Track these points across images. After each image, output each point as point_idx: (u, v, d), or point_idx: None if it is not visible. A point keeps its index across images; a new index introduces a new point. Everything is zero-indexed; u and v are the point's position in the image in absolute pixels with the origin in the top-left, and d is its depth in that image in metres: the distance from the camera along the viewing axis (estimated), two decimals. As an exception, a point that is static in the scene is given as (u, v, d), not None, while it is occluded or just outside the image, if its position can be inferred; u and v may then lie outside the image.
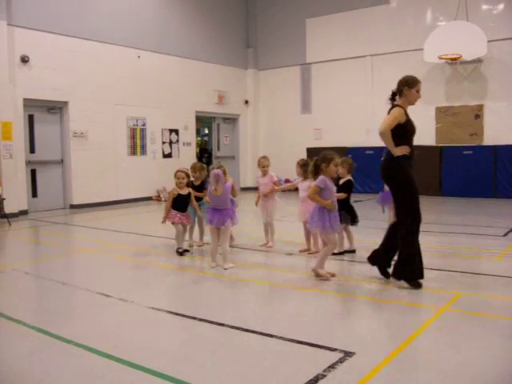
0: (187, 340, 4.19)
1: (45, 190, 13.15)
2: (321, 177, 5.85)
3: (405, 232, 5.39)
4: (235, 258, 6.91)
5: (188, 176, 7.27)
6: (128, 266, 7.05)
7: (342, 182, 7.03)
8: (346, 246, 7.25)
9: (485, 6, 14.75)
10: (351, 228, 7.18)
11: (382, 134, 5.29)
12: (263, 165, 7.84)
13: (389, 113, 5.47)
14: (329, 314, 4.81)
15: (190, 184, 7.43)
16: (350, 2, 16.89)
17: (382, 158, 5.57)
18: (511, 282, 5.70)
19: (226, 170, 6.76)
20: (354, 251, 7.20)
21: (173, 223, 7.27)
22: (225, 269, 6.35)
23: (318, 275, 5.87)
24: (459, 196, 14.54)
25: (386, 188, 6.11)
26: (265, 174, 7.82)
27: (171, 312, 4.79)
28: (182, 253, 7.22)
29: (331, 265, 6.28)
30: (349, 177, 7.03)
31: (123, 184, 14.73)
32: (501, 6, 14.59)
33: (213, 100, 17.77)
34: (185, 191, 7.20)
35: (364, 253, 6.44)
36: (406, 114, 5.46)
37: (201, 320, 4.50)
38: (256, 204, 7.90)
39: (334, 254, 7.02)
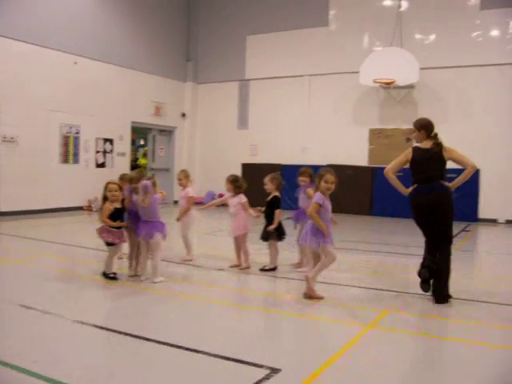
0: (112, 355, 4.06)
1: (-31, 195, 12.58)
2: (317, 193, 5.82)
3: (448, 254, 5.82)
4: (164, 272, 6.78)
5: (121, 188, 6.47)
6: (54, 277, 6.77)
7: (269, 198, 7.07)
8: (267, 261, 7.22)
9: (418, 36, 15.37)
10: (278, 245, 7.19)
11: None
12: (178, 178, 7.80)
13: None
14: (256, 330, 4.78)
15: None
16: (291, 22, 17.16)
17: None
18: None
19: (156, 181, 6.53)
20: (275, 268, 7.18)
21: (111, 244, 6.27)
22: (154, 282, 6.22)
23: (310, 296, 5.60)
24: (389, 216, 14.92)
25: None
26: (182, 187, 7.78)
27: (96, 326, 4.63)
28: (113, 277, 6.37)
29: (260, 281, 6.27)
30: (276, 193, 7.05)
31: (54, 192, 14.24)
32: (433, 37, 15.25)
33: (149, 111, 17.56)
34: (118, 205, 6.33)
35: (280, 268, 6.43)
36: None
37: (126, 334, 4.36)
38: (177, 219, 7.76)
39: (265, 270, 7.04)
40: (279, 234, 7.01)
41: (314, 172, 6.32)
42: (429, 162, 6.00)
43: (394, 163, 6.07)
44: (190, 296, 5.83)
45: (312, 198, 6.07)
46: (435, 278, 5.70)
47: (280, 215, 6.92)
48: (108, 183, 6.34)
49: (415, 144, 6.21)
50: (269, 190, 7.03)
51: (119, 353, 4.07)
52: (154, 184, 6.36)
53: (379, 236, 11.73)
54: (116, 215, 6.24)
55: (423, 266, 5.77)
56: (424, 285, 5.74)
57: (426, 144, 6.07)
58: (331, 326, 4.91)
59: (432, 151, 6.00)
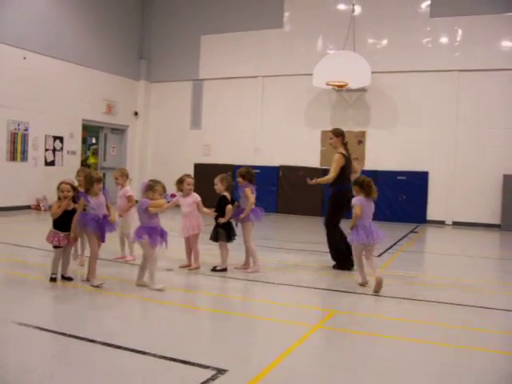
0: (55, 357, 3.95)
1: None
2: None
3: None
4: (108, 273, 6.66)
5: (74, 189, 6.13)
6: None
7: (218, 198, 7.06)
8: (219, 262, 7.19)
9: (370, 40, 15.64)
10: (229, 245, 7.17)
11: None
12: (115, 176, 7.65)
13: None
14: (202, 330, 4.74)
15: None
16: (246, 23, 17.18)
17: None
18: (386, 301, 5.94)
19: (152, 185, 6.07)
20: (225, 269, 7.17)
21: (55, 246, 6.07)
22: (154, 290, 5.86)
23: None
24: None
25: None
26: (120, 186, 7.63)
27: (40, 328, 4.49)
28: (52, 279, 6.14)
29: (210, 281, 6.23)
30: (225, 193, 7.03)
31: (0, 191, 13.80)
32: (384, 42, 15.56)
33: (101, 109, 17.26)
34: (70, 206, 6.04)
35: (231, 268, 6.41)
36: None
37: (70, 336, 4.26)
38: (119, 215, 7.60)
39: (216, 270, 6.99)
40: (229, 234, 6.98)
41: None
42: (349, 165, 7.62)
43: (340, 166, 7.43)
44: (135, 296, 5.73)
45: (248, 197, 6.98)
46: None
47: (231, 211, 6.91)
48: (61, 183, 6.10)
49: (340, 151, 7.53)
50: (218, 191, 7.01)
51: (62, 354, 3.96)
52: (148, 187, 6.02)
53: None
54: (64, 217, 6.00)
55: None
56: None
57: (342, 150, 7.53)
58: (278, 326, 4.91)
59: (349, 157, 7.63)
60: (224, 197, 7.00)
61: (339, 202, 7.50)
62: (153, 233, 5.92)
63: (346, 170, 7.46)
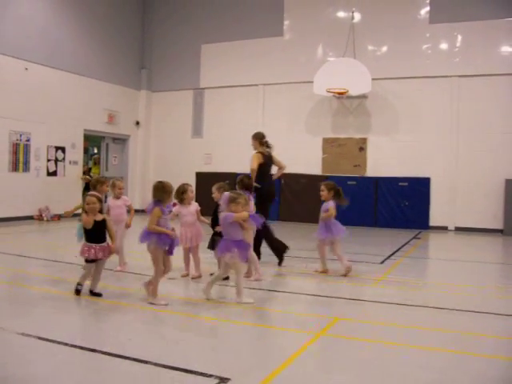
0: (58, 366, 3.94)
1: None
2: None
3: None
4: (116, 282, 6.66)
5: (100, 201, 5.99)
6: (2, 290, 6.56)
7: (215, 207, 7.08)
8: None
9: (370, 47, 15.68)
10: None
11: None
12: (119, 186, 7.61)
13: None
14: (204, 339, 4.73)
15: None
16: (246, 32, 17.24)
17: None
18: (387, 307, 5.94)
19: (235, 197, 5.96)
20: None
21: (87, 260, 5.93)
22: (241, 303, 5.81)
23: None
24: (342, 225, 15.01)
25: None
26: (118, 196, 7.62)
27: (41, 338, 4.50)
28: (76, 291, 6.00)
29: (211, 289, 6.23)
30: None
31: (2, 201, 13.76)
32: (384, 48, 15.59)
33: (103, 119, 17.31)
34: (99, 217, 5.91)
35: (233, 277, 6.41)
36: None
37: (73, 346, 4.26)
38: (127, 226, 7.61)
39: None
40: None
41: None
42: (270, 162, 8.46)
43: (258, 163, 8.20)
44: (138, 306, 5.71)
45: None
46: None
47: None
48: (86, 195, 6.01)
49: (259, 150, 8.41)
50: (216, 199, 7.02)
51: (64, 364, 3.96)
52: (230, 199, 5.92)
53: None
54: (95, 229, 5.85)
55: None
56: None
57: (264, 150, 8.37)
58: (281, 334, 4.91)
59: (270, 155, 8.43)
60: (219, 206, 7.00)
61: (263, 199, 7.99)
62: (240, 246, 5.84)
63: (265, 167, 8.29)
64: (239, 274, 5.87)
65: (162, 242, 5.71)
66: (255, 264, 7.12)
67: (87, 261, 5.92)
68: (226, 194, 6.12)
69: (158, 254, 5.76)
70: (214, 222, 6.95)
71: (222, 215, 6.00)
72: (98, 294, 5.98)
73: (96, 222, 5.85)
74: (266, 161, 8.37)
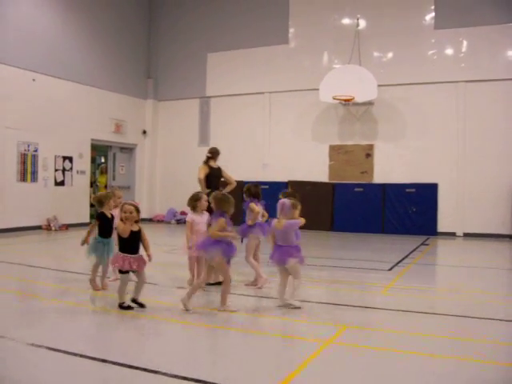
0: (68, 377, 3.95)
1: None
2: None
3: None
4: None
5: (138, 211, 5.84)
6: (13, 300, 6.56)
7: None
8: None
9: (376, 53, 15.71)
10: None
11: None
12: (119, 196, 7.65)
13: None
14: (212, 348, 4.73)
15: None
16: (251, 40, 17.31)
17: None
18: (395, 315, 5.91)
19: (295, 203, 6.03)
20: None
21: (121, 272, 5.82)
22: (291, 305, 5.93)
23: None
24: (350, 231, 15.08)
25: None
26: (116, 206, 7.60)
27: (51, 348, 4.50)
28: (128, 307, 5.82)
29: (215, 297, 6.22)
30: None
31: (11, 211, 13.85)
32: (390, 55, 15.61)
33: (110, 129, 17.40)
34: (135, 227, 5.80)
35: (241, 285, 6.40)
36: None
37: (82, 356, 4.27)
38: None
39: (210, 284, 6.93)
40: None
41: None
42: (219, 175, 8.83)
43: (204, 173, 8.60)
44: (147, 315, 5.71)
45: (252, 209, 7.20)
46: None
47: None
48: (123, 204, 5.90)
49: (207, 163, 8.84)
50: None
51: (74, 374, 3.96)
52: (293, 206, 5.96)
53: (339, 252, 11.82)
54: (130, 239, 5.75)
55: None
56: None
57: (214, 164, 8.87)
58: (290, 342, 4.90)
59: (218, 170, 8.86)
60: None
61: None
62: (299, 250, 6.00)
63: (211, 178, 8.62)
64: (299, 278, 5.97)
65: (227, 252, 5.79)
66: (255, 270, 7.10)
67: (121, 272, 5.81)
68: (285, 200, 6.09)
69: (224, 264, 5.81)
70: None
71: (281, 222, 5.98)
72: (142, 305, 5.85)
73: (132, 232, 5.75)
74: (213, 173, 8.74)
